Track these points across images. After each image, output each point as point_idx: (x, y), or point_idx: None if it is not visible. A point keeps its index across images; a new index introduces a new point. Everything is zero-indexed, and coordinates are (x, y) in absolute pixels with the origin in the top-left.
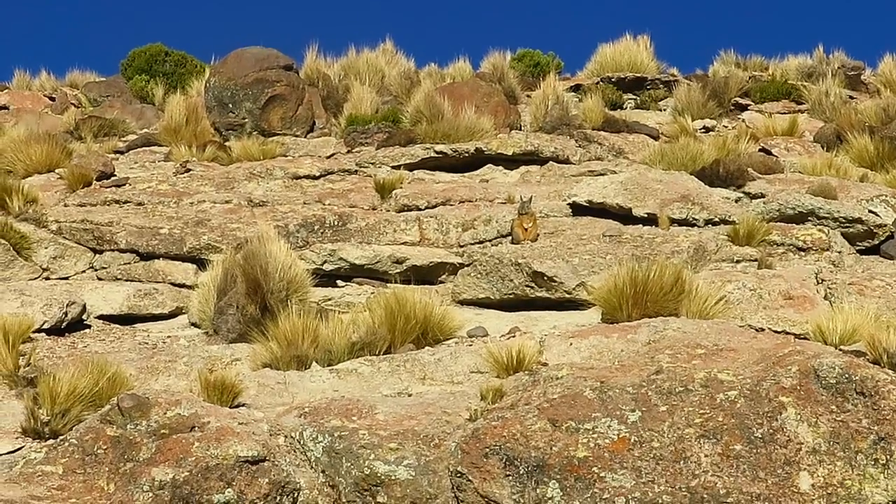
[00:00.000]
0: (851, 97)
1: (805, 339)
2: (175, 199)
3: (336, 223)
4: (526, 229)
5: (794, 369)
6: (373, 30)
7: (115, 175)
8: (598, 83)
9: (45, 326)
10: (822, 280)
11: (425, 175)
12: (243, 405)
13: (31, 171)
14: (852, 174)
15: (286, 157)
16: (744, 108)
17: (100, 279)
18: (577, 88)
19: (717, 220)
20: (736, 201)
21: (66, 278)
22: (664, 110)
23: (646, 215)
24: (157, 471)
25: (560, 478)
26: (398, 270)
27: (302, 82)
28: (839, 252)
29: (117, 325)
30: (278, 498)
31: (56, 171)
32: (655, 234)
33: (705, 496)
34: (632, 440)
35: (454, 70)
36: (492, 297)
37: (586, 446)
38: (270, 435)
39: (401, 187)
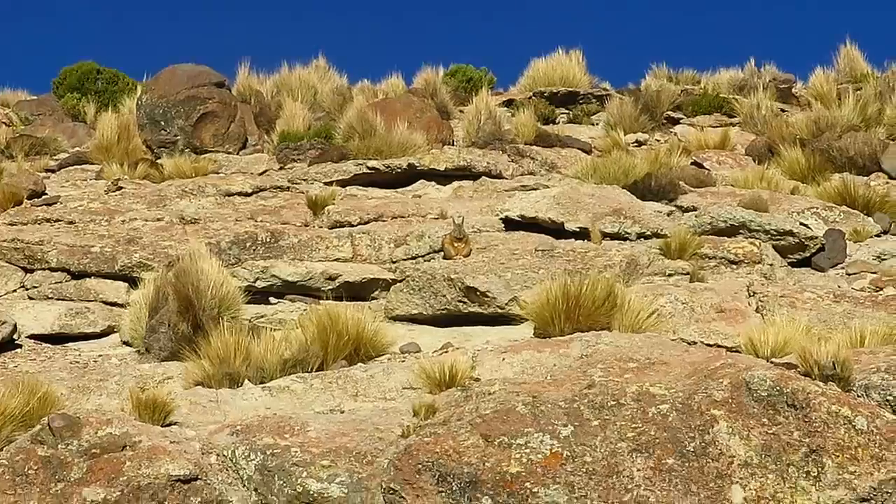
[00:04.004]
0: (783, 110)
1: (737, 352)
2: (107, 217)
3: (268, 240)
4: (456, 247)
5: (725, 382)
6: (305, 46)
7: (47, 193)
8: (530, 98)
9: None
10: (754, 293)
11: (358, 191)
12: (175, 424)
13: None
14: (784, 187)
15: (218, 174)
16: (676, 121)
17: (31, 298)
18: (509, 103)
19: (649, 233)
20: (668, 215)
21: None
22: (597, 124)
23: (578, 229)
24: (89, 491)
25: (493, 493)
26: (331, 287)
27: (234, 99)
28: (771, 265)
29: (48, 345)
30: None
31: None
32: (588, 249)
33: None
34: (564, 455)
35: (387, 86)
36: (425, 313)
37: (519, 461)
38: (203, 453)
39: (333, 203)
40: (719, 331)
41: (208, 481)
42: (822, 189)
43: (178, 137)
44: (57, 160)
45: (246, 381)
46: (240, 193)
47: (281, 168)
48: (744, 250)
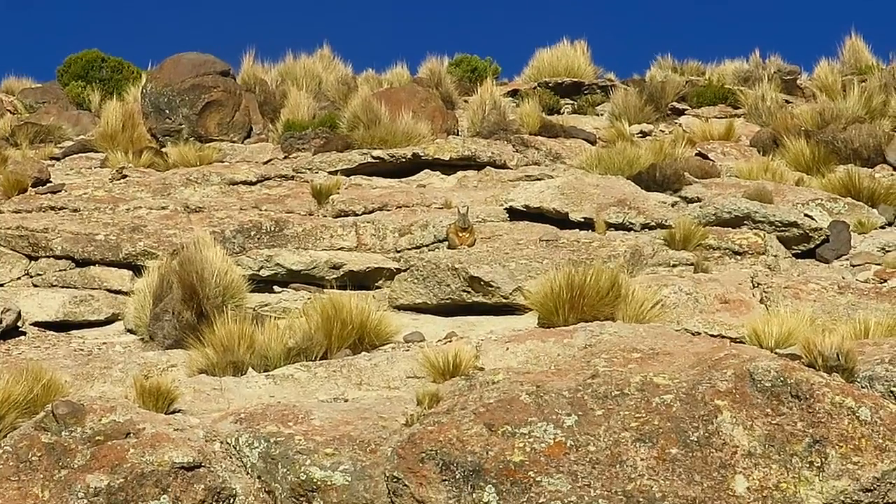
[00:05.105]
0: (788, 101)
1: (741, 342)
2: (111, 205)
3: (273, 229)
4: (460, 236)
5: (729, 373)
6: (310, 35)
7: (51, 181)
8: (535, 88)
9: None
10: (758, 284)
11: (362, 180)
12: (179, 411)
13: None
14: (788, 178)
15: (223, 162)
16: (681, 112)
17: (35, 286)
18: (514, 93)
19: (653, 224)
20: (672, 205)
21: (1, 285)
22: (601, 115)
23: (582, 220)
24: (92, 477)
25: (496, 482)
26: (335, 276)
27: (239, 88)
28: (775, 256)
29: (53, 332)
30: None
31: None
32: (592, 239)
33: (641, 500)
34: (568, 444)
35: (392, 75)
36: (429, 303)
37: (522, 451)
38: (206, 441)
39: (338, 193)
40: (723, 321)
41: (212, 469)
42: (826, 181)
43: (183, 126)
44: (61, 148)
45: (250, 369)
46: (244, 182)
47: (285, 157)
48: (748, 241)
